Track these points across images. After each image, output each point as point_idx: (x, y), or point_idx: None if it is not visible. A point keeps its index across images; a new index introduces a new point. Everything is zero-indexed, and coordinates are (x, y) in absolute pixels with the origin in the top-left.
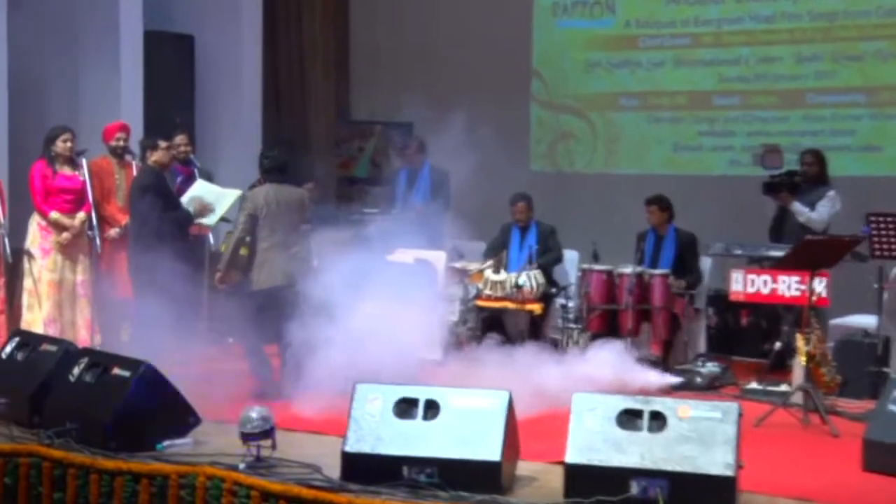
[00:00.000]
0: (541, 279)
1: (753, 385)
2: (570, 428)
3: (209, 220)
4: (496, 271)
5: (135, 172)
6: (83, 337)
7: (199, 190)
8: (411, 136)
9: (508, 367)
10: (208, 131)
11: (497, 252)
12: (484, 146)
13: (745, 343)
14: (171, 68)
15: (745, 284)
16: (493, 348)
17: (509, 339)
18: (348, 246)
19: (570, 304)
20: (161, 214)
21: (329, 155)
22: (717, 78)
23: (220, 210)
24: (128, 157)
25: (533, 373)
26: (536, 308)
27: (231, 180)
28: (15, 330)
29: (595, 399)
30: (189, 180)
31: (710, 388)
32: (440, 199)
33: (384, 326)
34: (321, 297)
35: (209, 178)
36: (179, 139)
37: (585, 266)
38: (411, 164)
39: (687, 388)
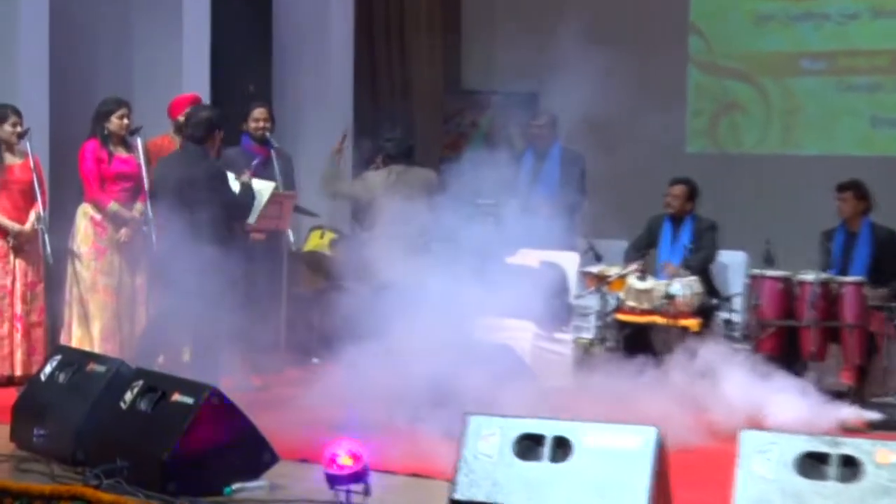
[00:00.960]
0: (698, 287)
1: None
2: (737, 475)
3: (250, 219)
4: (641, 277)
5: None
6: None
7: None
8: (538, 109)
9: (657, 396)
10: (288, 104)
11: (643, 253)
12: (627, 122)
13: None
14: (244, 28)
15: None
16: (637, 372)
17: (658, 361)
18: (458, 245)
19: (736, 319)
20: (224, 205)
21: (434, 132)
22: None
23: (259, 206)
24: None
25: (688, 403)
26: (692, 324)
27: (315, 165)
28: (56, 346)
29: (768, 438)
30: (267, 164)
31: None
32: (573, 187)
33: (502, 344)
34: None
35: (288, 161)
36: (257, 113)
37: (756, 271)
38: (538, 143)
39: (888, 427)
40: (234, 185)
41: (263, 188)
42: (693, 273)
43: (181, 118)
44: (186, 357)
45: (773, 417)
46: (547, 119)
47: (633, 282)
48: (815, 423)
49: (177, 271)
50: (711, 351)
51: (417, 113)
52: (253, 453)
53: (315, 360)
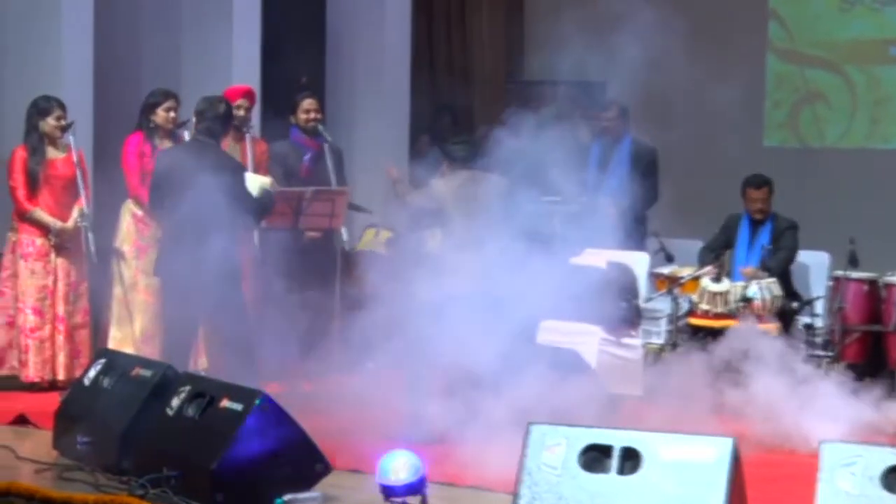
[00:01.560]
0: (777, 290)
1: None
2: (819, 490)
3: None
4: (716, 279)
5: (249, 148)
6: (201, 362)
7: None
8: (607, 100)
9: (732, 406)
10: (342, 95)
11: (718, 253)
12: (701, 113)
13: None
14: (296, 16)
15: None
16: (711, 380)
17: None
18: (521, 245)
19: (818, 325)
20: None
21: (496, 124)
22: None
23: None
24: (245, 131)
25: (765, 412)
26: (771, 328)
27: (369, 159)
28: (100, 349)
29: (853, 451)
30: (319, 158)
31: None
32: (644, 182)
33: (567, 349)
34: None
35: (340, 155)
36: (307, 104)
37: (839, 273)
38: (607, 136)
39: None
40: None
41: (252, 182)
42: (772, 275)
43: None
44: (203, 364)
45: (858, 428)
46: (616, 110)
47: (708, 284)
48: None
49: (194, 271)
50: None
51: (478, 103)
52: (305, 463)
53: (370, 364)
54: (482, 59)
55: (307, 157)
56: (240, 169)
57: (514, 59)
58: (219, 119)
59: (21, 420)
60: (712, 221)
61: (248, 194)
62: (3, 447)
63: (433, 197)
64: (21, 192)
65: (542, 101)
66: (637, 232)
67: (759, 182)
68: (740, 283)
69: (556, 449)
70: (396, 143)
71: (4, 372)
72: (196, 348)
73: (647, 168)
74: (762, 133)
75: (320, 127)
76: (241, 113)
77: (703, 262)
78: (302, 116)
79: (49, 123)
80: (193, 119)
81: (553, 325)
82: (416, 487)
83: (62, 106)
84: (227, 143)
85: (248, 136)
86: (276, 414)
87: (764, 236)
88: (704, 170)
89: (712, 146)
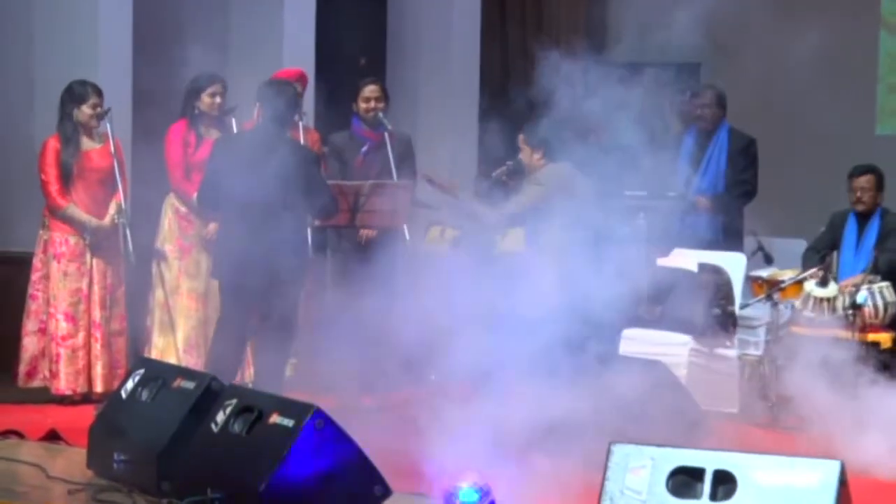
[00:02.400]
0: (890, 295)
1: None
2: None
3: None
4: (822, 283)
5: (302, 139)
6: (249, 372)
7: None
8: (700, 84)
9: (840, 424)
10: (406, 79)
11: (824, 254)
12: (806, 99)
13: None
14: None
15: None
16: (814, 395)
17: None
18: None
19: None
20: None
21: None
22: None
23: None
24: (297, 118)
25: (877, 430)
26: (884, 339)
27: (434, 148)
28: (139, 359)
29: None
30: (378, 149)
31: None
32: (742, 176)
33: (652, 361)
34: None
35: (406, 145)
36: (368, 91)
37: None
38: (701, 124)
39: None
40: None
41: None
42: (884, 278)
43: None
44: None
45: None
46: (712, 95)
47: (812, 288)
48: None
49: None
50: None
51: None
52: (362, 485)
53: (434, 377)
54: (558, 34)
55: (364, 149)
56: (316, 160)
57: (596, 38)
58: (289, 105)
59: (52, 436)
60: (817, 218)
61: (326, 187)
62: (33, 465)
63: (533, 195)
64: (54, 187)
65: (627, 87)
66: (732, 231)
67: (863, 170)
68: (849, 287)
69: (641, 472)
70: (464, 132)
71: (36, 383)
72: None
73: (745, 160)
74: (874, 120)
75: (381, 115)
76: None
77: (807, 265)
78: (362, 105)
79: (84, 112)
80: (235, 107)
81: (637, 333)
82: None
83: (99, 92)
84: None
85: (300, 125)
86: (331, 431)
87: (873, 234)
88: (809, 162)
89: (818, 135)
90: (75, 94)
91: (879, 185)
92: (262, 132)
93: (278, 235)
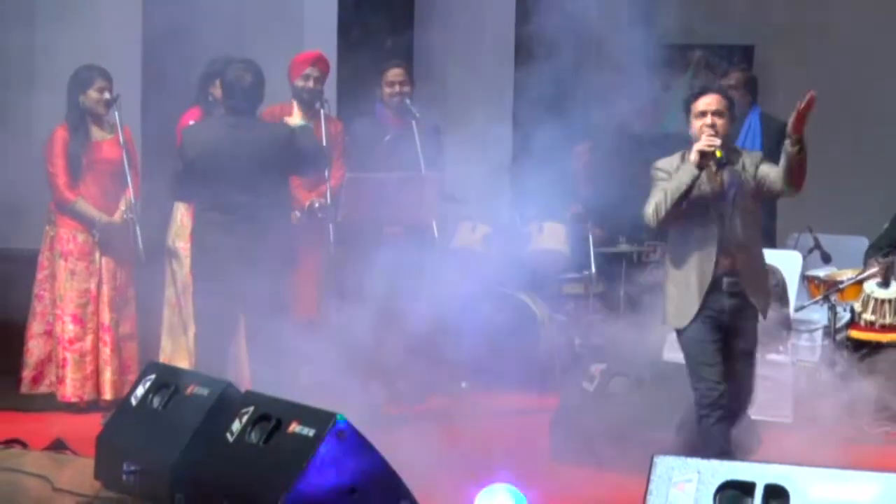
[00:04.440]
0: None
1: None
2: None
3: None
4: (884, 284)
5: (324, 128)
6: (247, 375)
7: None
8: (732, 66)
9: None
10: (434, 63)
11: (887, 252)
12: (864, 84)
13: None
14: None
15: None
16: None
17: None
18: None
19: None
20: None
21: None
22: None
23: None
24: (319, 106)
25: None
26: None
27: (464, 138)
28: (149, 363)
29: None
30: (402, 138)
31: None
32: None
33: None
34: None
35: (434, 134)
36: (392, 74)
37: None
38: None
39: None
40: None
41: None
42: None
43: (299, 81)
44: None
45: None
46: (739, 77)
47: (873, 289)
48: None
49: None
50: None
51: None
52: (388, 499)
53: (464, 385)
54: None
55: (387, 138)
56: (285, 134)
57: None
58: (254, 90)
59: (58, 445)
60: (879, 214)
61: (302, 155)
62: (38, 477)
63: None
64: (61, 180)
65: (675, 70)
66: (768, 227)
67: None
68: None
69: (687, 486)
70: (498, 121)
71: (42, 389)
72: (239, 360)
73: (779, 148)
74: None
75: (407, 101)
76: (311, 84)
77: (868, 263)
78: (386, 90)
79: (90, 96)
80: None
81: None
82: None
83: (106, 76)
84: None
85: (322, 113)
86: (354, 441)
87: None
88: (872, 153)
89: (878, 125)
90: (81, 78)
91: None
92: (224, 120)
93: (257, 225)
